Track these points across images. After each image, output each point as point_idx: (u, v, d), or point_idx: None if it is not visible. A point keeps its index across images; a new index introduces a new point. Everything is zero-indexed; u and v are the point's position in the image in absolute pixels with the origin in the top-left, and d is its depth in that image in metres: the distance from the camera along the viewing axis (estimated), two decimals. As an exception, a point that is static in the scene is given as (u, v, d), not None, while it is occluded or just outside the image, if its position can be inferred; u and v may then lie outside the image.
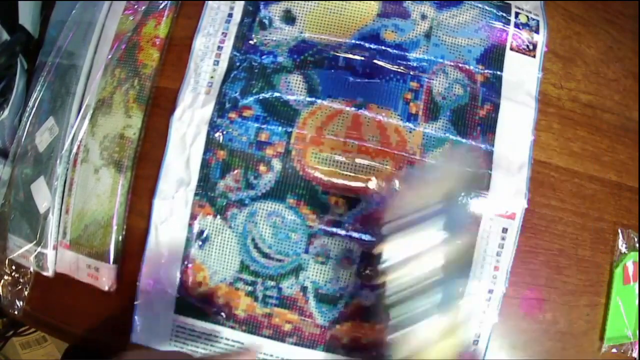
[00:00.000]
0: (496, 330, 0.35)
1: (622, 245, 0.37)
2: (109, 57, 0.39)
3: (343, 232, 0.35)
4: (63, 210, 0.39)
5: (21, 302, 0.41)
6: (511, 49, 0.37)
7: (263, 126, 0.35)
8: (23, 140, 0.41)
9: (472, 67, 0.36)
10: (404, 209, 0.35)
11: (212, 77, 0.37)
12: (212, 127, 0.36)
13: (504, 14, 0.38)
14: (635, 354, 0.38)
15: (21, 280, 0.40)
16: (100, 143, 0.39)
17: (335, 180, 0.35)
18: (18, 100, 0.42)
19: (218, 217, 0.36)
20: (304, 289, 0.35)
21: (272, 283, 0.35)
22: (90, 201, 0.38)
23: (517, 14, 0.38)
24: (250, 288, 0.35)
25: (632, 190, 0.38)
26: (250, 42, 0.37)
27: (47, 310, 0.41)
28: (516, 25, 0.37)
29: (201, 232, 0.36)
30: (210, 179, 0.36)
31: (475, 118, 0.36)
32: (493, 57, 0.37)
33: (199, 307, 0.36)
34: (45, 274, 0.39)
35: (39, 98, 0.41)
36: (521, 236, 0.35)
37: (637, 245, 0.38)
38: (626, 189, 0.38)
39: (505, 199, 0.35)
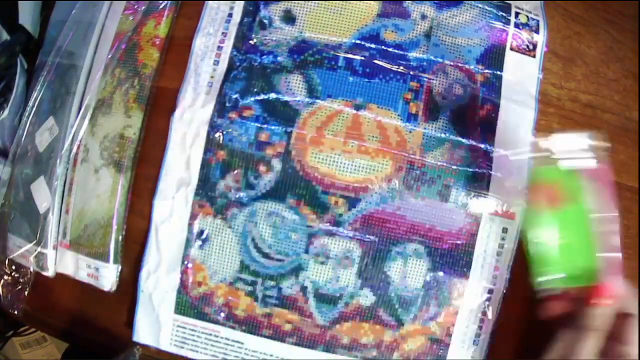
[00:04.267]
0: (496, 330, 0.35)
1: None
2: (109, 57, 0.39)
3: (343, 232, 0.35)
4: (63, 210, 0.39)
5: (21, 302, 0.41)
6: (511, 49, 0.37)
7: (263, 126, 0.35)
8: (23, 140, 0.41)
9: (472, 67, 0.36)
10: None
11: (212, 77, 0.37)
12: (212, 127, 0.36)
13: (504, 14, 0.37)
14: None
15: (21, 280, 0.40)
16: (100, 143, 0.39)
17: (335, 180, 0.35)
18: (18, 100, 0.42)
19: (218, 217, 0.36)
20: (303, 289, 0.35)
21: (272, 283, 0.35)
22: (90, 201, 0.38)
23: (517, 14, 0.38)
24: (250, 288, 0.35)
25: (632, 190, 0.38)
26: (250, 42, 0.37)
27: (47, 310, 0.41)
28: (516, 25, 0.37)
29: (201, 232, 0.36)
30: (210, 179, 0.36)
31: (475, 118, 0.36)
32: (493, 57, 0.37)
33: (199, 307, 0.36)
34: (45, 274, 0.39)
35: (39, 98, 0.41)
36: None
37: None
38: (626, 189, 0.38)
39: (505, 199, 0.35)
